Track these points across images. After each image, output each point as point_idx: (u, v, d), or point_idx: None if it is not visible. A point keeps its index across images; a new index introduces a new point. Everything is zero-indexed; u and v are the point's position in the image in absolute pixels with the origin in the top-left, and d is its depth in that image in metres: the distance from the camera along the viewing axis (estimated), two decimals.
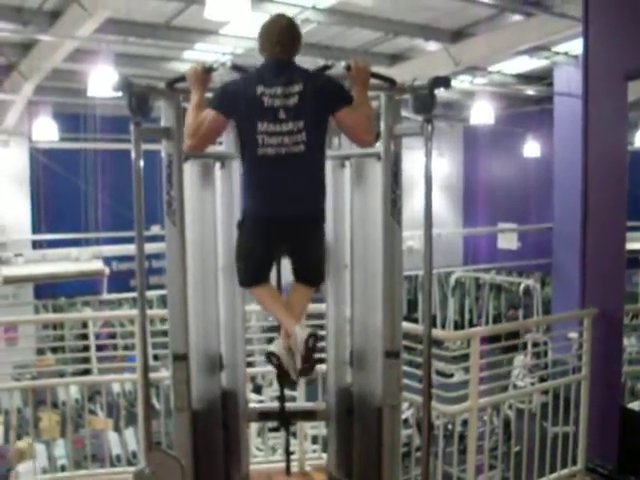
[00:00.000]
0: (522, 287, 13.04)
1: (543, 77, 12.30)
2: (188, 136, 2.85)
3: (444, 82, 2.88)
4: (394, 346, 3.09)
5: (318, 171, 2.98)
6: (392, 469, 3.18)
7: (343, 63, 2.85)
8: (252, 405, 3.69)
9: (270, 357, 2.97)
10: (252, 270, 3.05)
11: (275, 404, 3.49)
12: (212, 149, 3.14)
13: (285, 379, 3.08)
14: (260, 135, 2.81)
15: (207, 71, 2.86)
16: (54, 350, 9.11)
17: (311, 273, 3.13)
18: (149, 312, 3.70)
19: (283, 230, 2.95)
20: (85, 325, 8.42)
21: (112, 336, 8.63)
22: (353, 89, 2.88)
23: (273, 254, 3.10)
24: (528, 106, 13.54)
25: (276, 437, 5.96)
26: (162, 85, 2.94)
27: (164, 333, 5.37)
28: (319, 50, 9.48)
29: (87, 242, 10.84)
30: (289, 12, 7.88)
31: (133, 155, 2.82)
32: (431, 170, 2.90)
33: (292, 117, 2.80)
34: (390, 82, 2.95)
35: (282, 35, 2.89)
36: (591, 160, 4.27)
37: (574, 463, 4.28)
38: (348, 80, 2.89)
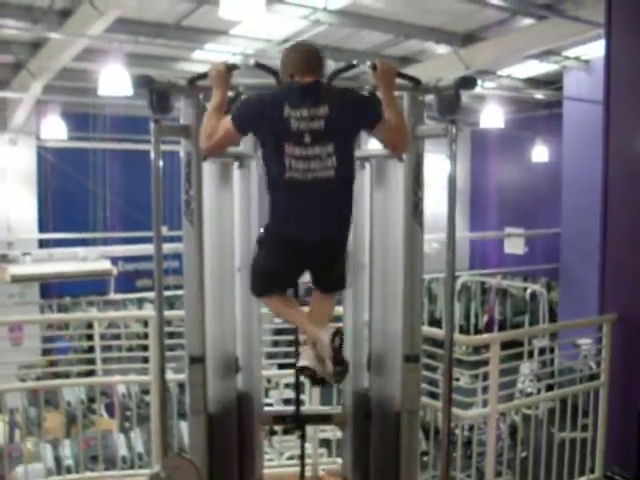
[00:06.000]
0: (528, 292, 12.98)
1: (552, 81, 12.27)
2: (202, 139, 2.79)
3: (470, 82, 2.85)
4: (413, 350, 3.05)
5: (347, 196, 2.85)
6: (410, 475, 3.14)
7: (368, 62, 2.79)
8: (267, 408, 3.65)
9: (302, 371, 2.89)
10: (268, 283, 2.94)
11: (290, 407, 3.45)
12: (231, 149, 3.08)
13: (320, 384, 3.01)
14: (287, 158, 2.70)
15: (229, 69, 2.79)
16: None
17: (333, 283, 3.03)
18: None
19: (307, 253, 2.85)
20: (90, 326, 8.38)
21: (116, 337, 8.56)
22: (378, 89, 2.84)
23: (293, 273, 2.98)
24: (537, 110, 13.49)
25: (284, 441, 5.92)
26: (183, 82, 2.90)
27: (170, 335, 5.36)
28: (329, 52, 9.45)
29: (94, 242, 10.80)
30: (301, 13, 7.92)
31: (152, 154, 2.77)
32: (455, 174, 2.86)
33: (318, 141, 2.70)
34: (415, 82, 2.89)
35: (307, 55, 2.80)
36: (612, 163, 4.21)
37: (592, 471, 4.23)
38: (372, 80, 2.84)
